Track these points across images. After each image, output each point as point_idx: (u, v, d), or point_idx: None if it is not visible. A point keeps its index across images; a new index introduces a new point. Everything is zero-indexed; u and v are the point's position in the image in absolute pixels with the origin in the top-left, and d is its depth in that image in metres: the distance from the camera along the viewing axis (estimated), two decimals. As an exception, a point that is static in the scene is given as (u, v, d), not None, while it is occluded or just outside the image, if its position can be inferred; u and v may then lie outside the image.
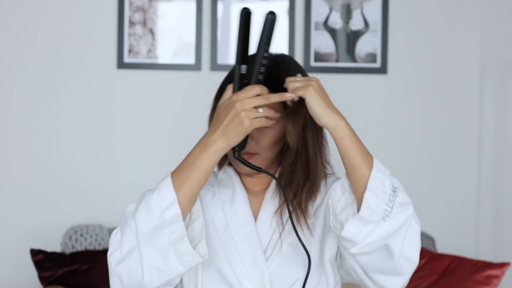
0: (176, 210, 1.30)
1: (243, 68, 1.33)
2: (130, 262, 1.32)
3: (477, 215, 3.28)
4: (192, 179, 1.32)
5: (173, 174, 1.34)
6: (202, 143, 1.32)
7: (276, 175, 1.50)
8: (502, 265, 2.85)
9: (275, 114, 1.34)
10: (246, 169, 1.49)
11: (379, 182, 1.34)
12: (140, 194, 1.37)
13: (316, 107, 1.33)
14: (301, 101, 1.37)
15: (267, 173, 1.40)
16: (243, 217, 1.50)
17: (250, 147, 1.46)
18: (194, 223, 1.37)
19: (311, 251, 1.47)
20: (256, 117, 1.30)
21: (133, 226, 1.32)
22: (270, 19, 1.29)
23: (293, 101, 1.38)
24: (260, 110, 1.30)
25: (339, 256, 1.50)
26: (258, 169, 1.40)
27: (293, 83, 1.35)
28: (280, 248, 1.48)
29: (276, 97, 1.33)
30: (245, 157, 1.44)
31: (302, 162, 1.47)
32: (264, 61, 1.31)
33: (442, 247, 3.20)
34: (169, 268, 1.32)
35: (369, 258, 1.37)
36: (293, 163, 1.47)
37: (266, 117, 1.32)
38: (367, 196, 1.33)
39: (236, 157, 1.37)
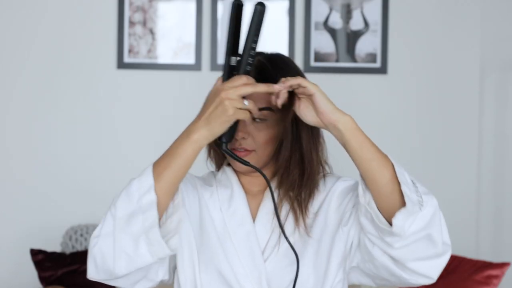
0: (152, 196, 1.30)
1: (233, 60, 1.33)
2: (104, 246, 1.32)
3: (477, 215, 3.28)
4: (173, 167, 1.32)
5: (156, 162, 1.35)
6: (186, 132, 1.33)
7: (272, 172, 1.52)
8: (502, 265, 2.85)
9: (255, 108, 1.33)
10: (243, 167, 1.49)
11: (402, 174, 1.35)
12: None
13: (325, 103, 1.33)
14: (290, 99, 1.39)
15: (253, 167, 1.40)
16: (240, 217, 1.50)
17: (247, 144, 1.46)
18: (173, 216, 1.36)
19: (307, 251, 1.47)
20: (241, 108, 1.29)
21: (113, 211, 1.33)
22: (259, 10, 1.29)
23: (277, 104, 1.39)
24: (246, 102, 1.30)
25: (360, 259, 1.48)
26: (245, 163, 1.40)
27: (297, 79, 1.36)
28: (278, 249, 1.48)
29: (263, 87, 1.32)
30: (241, 154, 1.46)
31: (296, 159, 1.47)
32: (252, 52, 1.31)
33: (442, 247, 3.20)
34: (138, 256, 1.31)
35: (410, 250, 1.36)
36: (288, 160, 1.47)
37: (250, 111, 1.31)
38: (404, 189, 1.32)
39: (224, 149, 1.37)
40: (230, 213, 1.51)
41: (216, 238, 1.48)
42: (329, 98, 1.35)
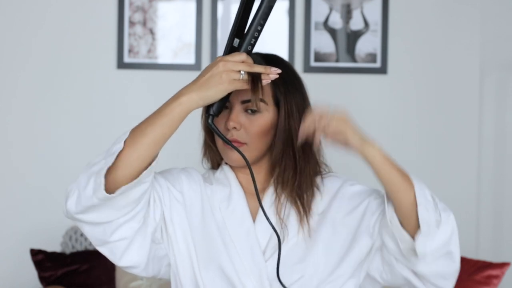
0: (119, 146, 1.34)
1: (236, 41, 1.36)
2: (70, 186, 1.40)
3: (477, 215, 3.28)
4: (157, 124, 1.35)
5: (142, 121, 1.40)
6: (176, 94, 1.36)
7: (267, 167, 1.52)
8: (502, 265, 2.85)
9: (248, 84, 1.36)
10: (234, 159, 1.47)
11: (423, 196, 1.38)
12: None
13: (356, 141, 1.38)
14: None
15: (236, 149, 1.41)
16: (240, 216, 1.49)
17: (239, 135, 1.46)
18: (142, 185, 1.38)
19: (313, 251, 1.47)
20: (236, 79, 1.33)
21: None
22: None
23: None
24: (242, 73, 1.33)
25: (375, 269, 1.50)
26: (228, 142, 1.41)
27: (326, 119, 1.38)
28: (282, 249, 1.47)
29: (260, 68, 1.36)
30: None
31: (289, 154, 1.47)
32: (256, 34, 1.35)
33: (442, 247, 3.20)
34: (85, 194, 1.36)
35: (431, 267, 1.41)
36: (281, 154, 1.47)
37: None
38: (421, 212, 1.37)
39: (209, 123, 1.39)
40: (229, 212, 1.50)
41: (218, 235, 1.48)
42: (357, 130, 1.39)
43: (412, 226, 1.39)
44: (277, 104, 1.48)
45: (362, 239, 1.48)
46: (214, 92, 1.33)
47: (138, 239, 1.43)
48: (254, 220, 1.50)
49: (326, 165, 1.54)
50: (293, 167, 1.47)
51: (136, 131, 1.36)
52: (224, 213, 1.50)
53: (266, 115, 1.46)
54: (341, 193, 1.52)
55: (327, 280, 1.46)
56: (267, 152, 1.50)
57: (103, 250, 1.44)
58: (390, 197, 1.41)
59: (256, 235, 1.48)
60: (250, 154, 1.46)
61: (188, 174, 1.54)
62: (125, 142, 1.35)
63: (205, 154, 1.58)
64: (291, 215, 1.49)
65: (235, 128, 1.45)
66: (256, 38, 1.35)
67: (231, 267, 1.45)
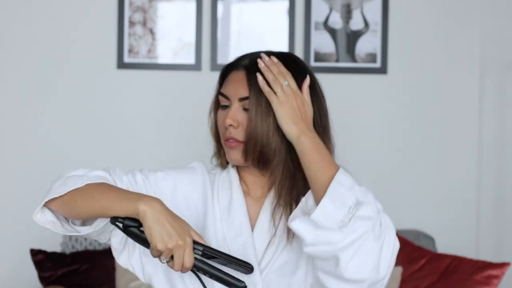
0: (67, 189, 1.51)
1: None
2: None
3: (477, 215, 3.28)
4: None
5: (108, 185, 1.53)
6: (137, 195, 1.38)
7: (272, 194, 1.49)
8: (502, 265, 2.85)
9: None
10: (233, 159, 1.45)
11: (337, 192, 1.31)
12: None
13: (278, 117, 1.39)
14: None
15: None
16: (238, 227, 1.46)
17: (237, 133, 1.43)
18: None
19: (299, 257, 1.44)
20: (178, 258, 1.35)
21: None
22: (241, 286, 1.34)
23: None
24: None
25: None
26: None
27: (277, 88, 1.39)
28: (276, 259, 1.44)
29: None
30: (232, 144, 1.44)
31: (286, 157, 1.44)
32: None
33: (442, 247, 3.20)
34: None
35: (321, 263, 1.34)
36: (284, 157, 1.43)
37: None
38: (325, 201, 1.30)
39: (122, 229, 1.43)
40: (229, 223, 1.46)
41: (216, 244, 1.45)
42: (292, 112, 1.39)
43: None
44: None
45: None
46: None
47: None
48: (253, 226, 1.47)
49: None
50: (290, 171, 1.43)
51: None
52: (225, 223, 1.47)
53: (272, 116, 1.41)
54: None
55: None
56: (265, 157, 1.44)
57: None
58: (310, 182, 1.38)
59: (254, 244, 1.45)
60: (248, 155, 1.43)
61: (192, 176, 1.52)
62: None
63: (215, 153, 1.54)
64: (283, 219, 1.45)
65: (232, 125, 1.42)
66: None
67: None
